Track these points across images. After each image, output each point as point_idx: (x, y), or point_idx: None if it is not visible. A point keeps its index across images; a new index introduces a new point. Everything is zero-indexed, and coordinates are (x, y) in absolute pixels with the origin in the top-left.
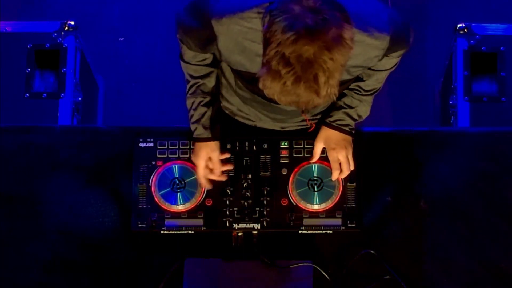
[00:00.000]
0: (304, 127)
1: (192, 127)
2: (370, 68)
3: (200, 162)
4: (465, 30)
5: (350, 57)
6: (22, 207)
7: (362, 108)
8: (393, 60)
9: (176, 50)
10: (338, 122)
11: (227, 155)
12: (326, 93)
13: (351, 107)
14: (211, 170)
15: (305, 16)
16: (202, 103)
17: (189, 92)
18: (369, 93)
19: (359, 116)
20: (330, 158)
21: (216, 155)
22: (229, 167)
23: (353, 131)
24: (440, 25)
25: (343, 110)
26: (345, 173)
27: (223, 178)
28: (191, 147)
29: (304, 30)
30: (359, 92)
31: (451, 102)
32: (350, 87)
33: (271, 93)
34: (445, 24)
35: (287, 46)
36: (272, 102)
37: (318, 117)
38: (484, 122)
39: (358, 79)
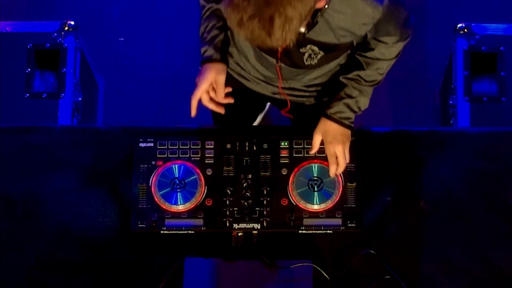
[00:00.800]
0: (296, 100)
1: (202, 49)
2: (368, 56)
3: (203, 84)
4: (465, 30)
5: (338, 15)
6: (22, 207)
7: (362, 98)
8: (392, 49)
9: (176, 49)
10: (338, 115)
11: (229, 89)
12: (280, 36)
13: (351, 97)
14: (211, 100)
15: None
16: (215, 26)
17: (204, 17)
18: (370, 84)
19: (359, 108)
20: (327, 152)
21: (222, 79)
22: (230, 100)
23: (353, 124)
24: (440, 25)
25: (343, 101)
26: (342, 166)
27: (222, 110)
28: (191, 147)
29: None
30: (359, 82)
31: (451, 102)
32: (350, 76)
33: (230, 23)
34: (445, 24)
35: None
36: (258, 48)
37: (296, 93)
38: (484, 122)
39: (359, 66)
